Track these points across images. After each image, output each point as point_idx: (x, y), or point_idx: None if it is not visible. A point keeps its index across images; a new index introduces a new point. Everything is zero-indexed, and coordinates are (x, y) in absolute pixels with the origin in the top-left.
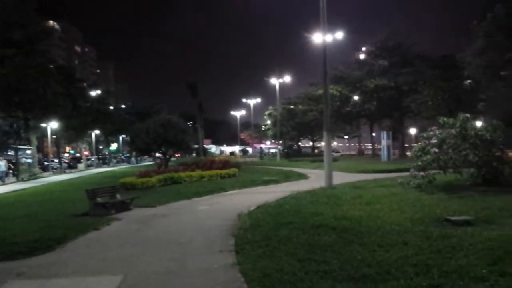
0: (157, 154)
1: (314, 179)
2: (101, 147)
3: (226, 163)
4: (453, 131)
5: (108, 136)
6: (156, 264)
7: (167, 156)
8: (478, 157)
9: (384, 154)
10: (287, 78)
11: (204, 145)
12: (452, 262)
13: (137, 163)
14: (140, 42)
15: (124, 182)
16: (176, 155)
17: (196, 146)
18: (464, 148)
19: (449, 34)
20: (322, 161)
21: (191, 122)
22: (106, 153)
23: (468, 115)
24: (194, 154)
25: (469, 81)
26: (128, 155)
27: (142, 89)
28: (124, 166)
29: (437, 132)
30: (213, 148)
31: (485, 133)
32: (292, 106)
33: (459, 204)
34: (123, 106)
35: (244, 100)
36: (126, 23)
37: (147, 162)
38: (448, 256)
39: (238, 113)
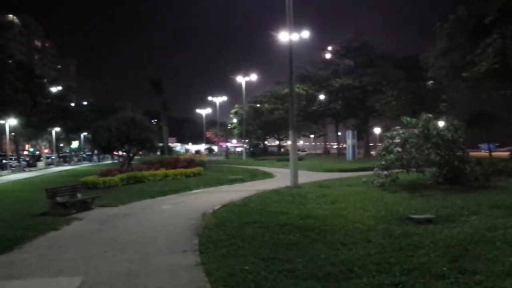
0: (120, 153)
1: (280, 178)
2: (61, 145)
3: (191, 161)
4: (416, 131)
5: (69, 133)
6: (118, 265)
7: (130, 155)
8: (440, 157)
9: (349, 153)
10: (253, 77)
11: (169, 144)
12: (414, 259)
13: (99, 161)
14: (104, 38)
15: (85, 181)
16: (140, 153)
17: (160, 144)
18: (427, 147)
19: (413, 35)
20: (288, 160)
21: (156, 120)
22: (67, 151)
23: (430, 115)
24: (158, 153)
25: (431, 81)
26: (89, 153)
27: (106, 86)
28: (85, 165)
29: (401, 131)
30: (178, 147)
31: (447, 133)
32: (258, 105)
33: (421, 202)
34: (85, 103)
35: (210, 98)
36: (90, 19)
37: (110, 160)
38: (410, 254)
39: (204, 111)
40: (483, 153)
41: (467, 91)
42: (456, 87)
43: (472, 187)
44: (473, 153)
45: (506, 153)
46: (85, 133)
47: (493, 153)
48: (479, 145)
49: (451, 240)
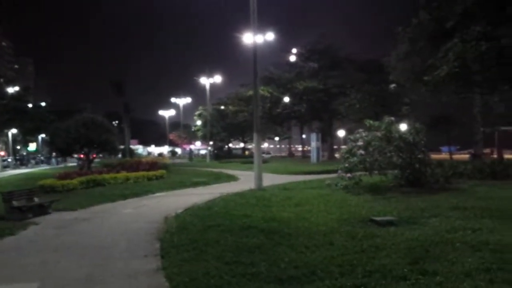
0: (79, 155)
1: (244, 180)
2: (18, 147)
3: (154, 164)
4: (378, 134)
5: (26, 135)
6: (76, 271)
7: (90, 157)
8: (402, 159)
9: (313, 155)
10: (217, 78)
11: (131, 146)
12: (376, 261)
13: (57, 164)
14: (63, 38)
15: (43, 184)
16: (101, 156)
17: (122, 147)
18: (389, 150)
19: (376, 39)
20: (252, 162)
21: (117, 122)
22: (24, 153)
23: (393, 118)
24: (120, 155)
25: (394, 85)
26: (48, 156)
27: (65, 87)
28: (43, 168)
29: (364, 134)
30: (140, 149)
31: (408, 136)
32: (222, 107)
33: (383, 204)
34: (43, 104)
35: (173, 100)
36: (48, 18)
37: (69, 163)
38: (372, 255)
39: (167, 113)
40: (444, 156)
41: (428, 94)
42: (418, 90)
43: (433, 189)
44: (434, 156)
45: (466, 156)
46: (43, 135)
47: (454, 156)
48: (440, 147)
49: (412, 242)
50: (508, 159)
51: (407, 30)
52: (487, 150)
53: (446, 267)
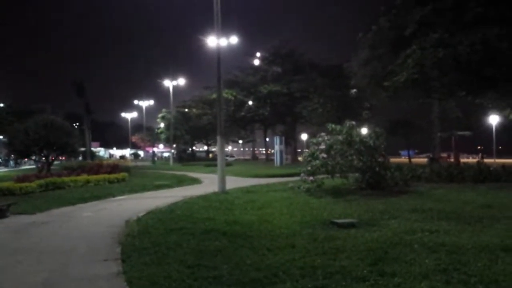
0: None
1: (207, 183)
2: None
3: (115, 167)
4: (340, 137)
5: None
6: (34, 275)
7: (50, 160)
8: (363, 163)
9: (277, 159)
10: (181, 81)
11: (92, 148)
12: (336, 263)
13: (15, 166)
14: (21, 36)
15: (0, 187)
16: (61, 158)
17: (82, 149)
18: (350, 154)
19: (338, 44)
20: (216, 165)
21: (78, 124)
22: None
23: (354, 122)
24: (80, 158)
25: (355, 90)
26: (6, 158)
27: (24, 87)
28: (1, 170)
29: (326, 138)
30: (102, 152)
31: (369, 140)
32: (186, 110)
33: (345, 207)
34: (0, 104)
35: (136, 102)
36: (5, 15)
37: (28, 166)
38: (333, 257)
39: (130, 115)
40: (403, 159)
41: (388, 99)
42: (378, 95)
43: (392, 191)
44: (394, 159)
45: (425, 160)
46: (1, 137)
47: (413, 160)
48: (400, 151)
49: (372, 243)
50: (464, 163)
51: (368, 36)
52: (444, 154)
53: (404, 268)
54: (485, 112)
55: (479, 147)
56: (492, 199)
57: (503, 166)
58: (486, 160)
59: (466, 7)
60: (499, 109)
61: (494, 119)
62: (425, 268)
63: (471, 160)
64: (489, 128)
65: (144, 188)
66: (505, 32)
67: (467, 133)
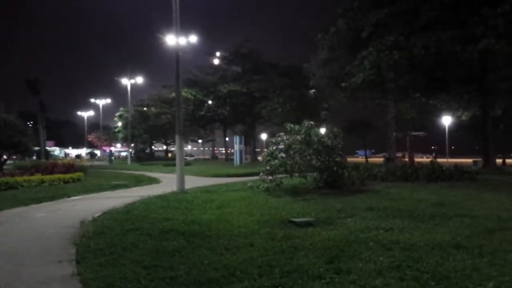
0: None
1: (166, 183)
2: None
3: (71, 166)
4: (298, 137)
5: None
6: None
7: (2, 159)
8: (321, 162)
9: (236, 158)
10: (139, 79)
11: (46, 148)
12: (294, 261)
13: None
14: None
15: None
16: (14, 158)
17: (37, 148)
18: (309, 153)
19: (298, 45)
20: (175, 165)
21: (32, 122)
22: None
23: (312, 122)
24: (34, 157)
25: (313, 90)
26: None
27: None
28: None
29: (285, 138)
30: (57, 151)
31: (326, 140)
32: (145, 108)
33: (303, 206)
34: None
35: (92, 100)
36: None
37: None
38: (290, 256)
39: (86, 114)
40: (360, 159)
41: (346, 100)
42: (336, 96)
43: (349, 190)
44: (351, 159)
45: (381, 159)
46: None
47: (369, 159)
48: (357, 151)
49: (329, 241)
50: (418, 162)
51: (326, 37)
52: (399, 154)
53: (359, 265)
54: (438, 113)
55: (432, 147)
56: (444, 197)
57: (455, 165)
58: (439, 160)
59: (421, 11)
60: (451, 110)
61: (447, 120)
62: (380, 265)
63: (425, 159)
64: (442, 128)
65: (100, 188)
66: (457, 35)
67: (421, 133)
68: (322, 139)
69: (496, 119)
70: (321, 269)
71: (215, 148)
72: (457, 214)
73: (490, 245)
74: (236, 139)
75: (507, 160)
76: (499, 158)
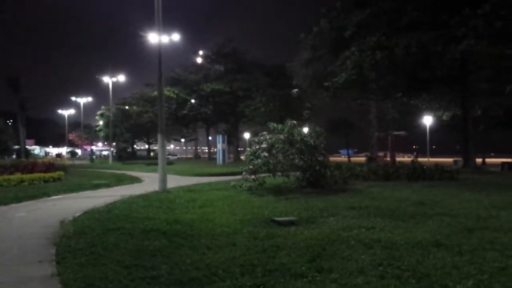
0: None
1: (148, 182)
2: None
3: (51, 165)
4: (281, 136)
5: None
6: None
7: None
8: (303, 161)
9: (219, 157)
10: (121, 78)
11: (27, 146)
12: (276, 260)
13: None
14: None
15: None
16: None
17: (17, 147)
18: (291, 152)
19: (282, 45)
20: (157, 164)
21: (12, 121)
22: None
23: (295, 121)
24: (14, 156)
25: (296, 89)
26: None
27: None
28: None
29: (267, 137)
30: (37, 150)
31: (309, 139)
32: (126, 107)
33: (286, 205)
34: None
35: (73, 98)
36: None
37: None
38: (273, 255)
39: (67, 112)
40: (343, 158)
41: (328, 99)
42: (319, 95)
43: (332, 190)
44: (334, 158)
45: (363, 158)
46: None
47: (352, 158)
48: (339, 150)
49: (311, 240)
50: (400, 162)
51: (309, 37)
52: (381, 153)
53: (341, 264)
54: (419, 113)
55: (414, 147)
56: (425, 196)
57: (436, 165)
58: (420, 159)
59: (402, 11)
60: (432, 110)
61: (428, 120)
62: (361, 264)
63: (406, 159)
64: (423, 128)
65: (81, 188)
66: (439, 36)
67: (402, 133)
68: (305, 139)
69: (476, 119)
70: (303, 268)
71: (198, 147)
72: (437, 213)
73: (470, 244)
74: (219, 138)
75: (487, 160)
76: (479, 157)
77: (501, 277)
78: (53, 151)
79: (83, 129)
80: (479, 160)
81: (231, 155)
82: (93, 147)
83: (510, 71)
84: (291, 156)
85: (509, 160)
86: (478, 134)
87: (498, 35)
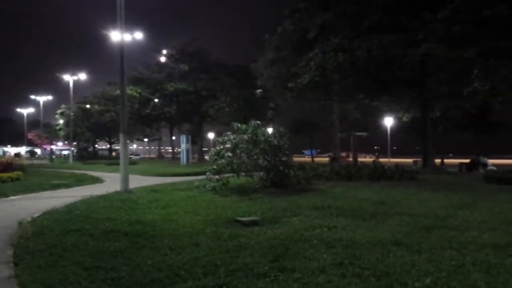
0: None
1: (109, 183)
2: None
3: (9, 165)
4: (245, 136)
5: None
6: None
7: None
8: (267, 162)
9: (183, 157)
10: (82, 76)
11: None
12: (239, 260)
13: None
14: None
15: None
16: None
17: None
18: (255, 153)
19: (246, 45)
20: (119, 164)
21: None
22: None
23: (259, 122)
24: None
25: (260, 90)
26: None
27: None
28: None
29: (231, 137)
30: None
31: (273, 139)
32: (88, 106)
33: (249, 205)
34: None
35: (33, 97)
36: None
37: None
38: (236, 255)
39: (26, 111)
40: (307, 159)
41: (292, 100)
42: (283, 96)
43: (295, 190)
44: (298, 159)
45: (326, 159)
46: None
47: (315, 159)
48: (303, 151)
49: (274, 240)
50: (362, 162)
51: (273, 38)
52: (344, 154)
53: (303, 263)
54: (381, 114)
55: (375, 147)
56: (385, 196)
57: (396, 165)
58: (381, 160)
59: (365, 14)
60: (393, 112)
61: (389, 121)
62: (323, 263)
63: (368, 159)
64: (384, 129)
65: (40, 188)
66: (399, 39)
67: (364, 133)
68: (269, 139)
69: (436, 121)
70: (266, 268)
71: (162, 147)
72: (398, 212)
73: (428, 242)
74: (183, 138)
75: (446, 160)
76: (437, 158)
77: (458, 274)
78: (11, 150)
79: (42, 128)
80: (438, 160)
81: (195, 155)
82: (53, 147)
83: (468, 74)
84: (255, 156)
85: (466, 160)
86: (437, 136)
87: (456, 39)
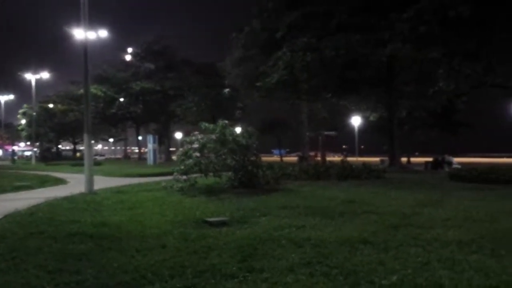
0: None
1: (74, 184)
2: None
3: None
4: (213, 136)
5: None
6: None
7: None
8: (236, 161)
9: (150, 157)
10: (45, 75)
11: None
12: (207, 261)
13: None
14: None
15: None
16: None
17: None
18: (223, 152)
19: (213, 43)
20: (83, 165)
21: None
22: None
23: (227, 121)
24: None
25: (228, 89)
26: None
27: None
28: None
29: (199, 137)
30: None
31: (241, 139)
32: (51, 105)
33: (217, 205)
34: None
35: None
36: None
37: None
38: (204, 256)
39: None
40: (275, 158)
41: (261, 99)
42: (251, 95)
43: (264, 189)
44: (266, 158)
45: (295, 158)
46: None
47: (284, 158)
48: (272, 150)
49: (242, 240)
50: (330, 161)
51: (241, 36)
52: (312, 153)
53: (272, 263)
54: (348, 113)
55: (343, 146)
56: (353, 195)
57: (364, 164)
58: (349, 158)
59: (332, 14)
60: (360, 111)
61: (356, 120)
62: (291, 262)
63: (336, 158)
64: (352, 128)
65: (1, 190)
66: (366, 39)
67: (332, 133)
68: (237, 138)
69: (402, 120)
70: (234, 268)
71: (128, 148)
72: (365, 211)
73: (395, 240)
74: (150, 138)
75: (412, 159)
76: (404, 157)
77: (423, 271)
78: None
79: (3, 129)
80: (404, 159)
81: (162, 155)
82: (15, 147)
83: (433, 74)
84: (223, 156)
85: (432, 159)
86: (403, 135)
87: (422, 39)
